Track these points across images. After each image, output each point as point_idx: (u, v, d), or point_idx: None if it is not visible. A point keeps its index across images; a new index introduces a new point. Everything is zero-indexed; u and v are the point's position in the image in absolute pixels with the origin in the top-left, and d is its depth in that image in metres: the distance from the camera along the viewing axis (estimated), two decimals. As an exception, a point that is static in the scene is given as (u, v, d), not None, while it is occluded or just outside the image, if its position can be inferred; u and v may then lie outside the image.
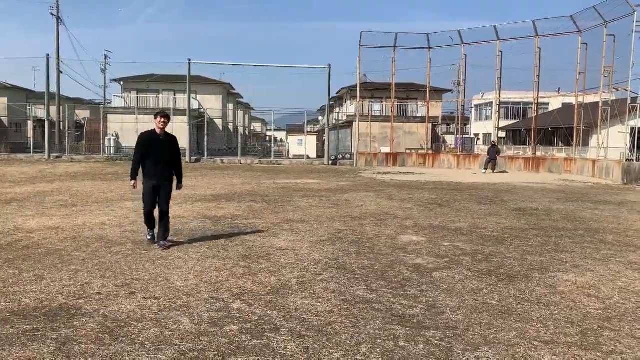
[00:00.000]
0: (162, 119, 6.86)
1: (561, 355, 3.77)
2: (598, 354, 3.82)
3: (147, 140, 6.87)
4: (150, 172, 6.86)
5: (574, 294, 5.30)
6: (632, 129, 25.36)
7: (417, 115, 41.29)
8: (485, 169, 27.26)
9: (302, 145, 37.50)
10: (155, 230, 7.14)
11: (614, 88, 25.97)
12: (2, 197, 12.33)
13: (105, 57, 54.71)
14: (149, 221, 7.14)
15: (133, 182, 6.92)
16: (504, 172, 27.83)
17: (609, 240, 8.24)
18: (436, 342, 3.95)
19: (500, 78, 31.43)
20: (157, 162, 6.85)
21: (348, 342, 3.91)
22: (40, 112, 45.15)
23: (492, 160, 27.37)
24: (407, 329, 4.21)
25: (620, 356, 3.79)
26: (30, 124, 44.74)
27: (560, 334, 4.17)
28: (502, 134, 49.90)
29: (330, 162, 33.15)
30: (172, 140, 7.09)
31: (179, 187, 7.32)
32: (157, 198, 6.95)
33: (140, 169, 6.94)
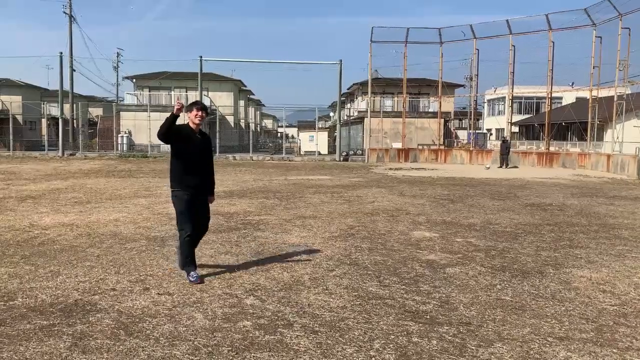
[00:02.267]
0: (200, 112, 5.22)
1: (576, 351, 3.74)
2: (614, 350, 3.78)
3: (182, 133, 5.18)
4: (185, 178, 5.18)
5: (589, 289, 5.25)
6: (648, 123, 25.03)
7: (429, 110, 41.03)
8: (501, 164, 27.15)
9: (314, 142, 37.40)
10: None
11: (629, 82, 25.63)
12: (17, 194, 12.49)
13: (118, 54, 55.25)
14: (190, 254, 5.22)
15: (177, 105, 4.86)
16: (515, 167, 27.62)
17: (624, 236, 8.14)
18: (450, 338, 3.94)
19: (513, 72, 31.16)
20: (194, 165, 5.21)
21: (361, 337, 3.91)
22: (54, 110, 45.68)
23: (503, 155, 27.23)
24: (421, 324, 4.20)
25: (637, 352, 3.74)
26: (44, 122, 45.27)
27: (575, 330, 4.13)
28: (515, 129, 49.50)
29: (341, 158, 33.12)
30: (207, 140, 5.51)
31: (211, 200, 5.59)
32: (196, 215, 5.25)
33: (170, 175, 5.29)
